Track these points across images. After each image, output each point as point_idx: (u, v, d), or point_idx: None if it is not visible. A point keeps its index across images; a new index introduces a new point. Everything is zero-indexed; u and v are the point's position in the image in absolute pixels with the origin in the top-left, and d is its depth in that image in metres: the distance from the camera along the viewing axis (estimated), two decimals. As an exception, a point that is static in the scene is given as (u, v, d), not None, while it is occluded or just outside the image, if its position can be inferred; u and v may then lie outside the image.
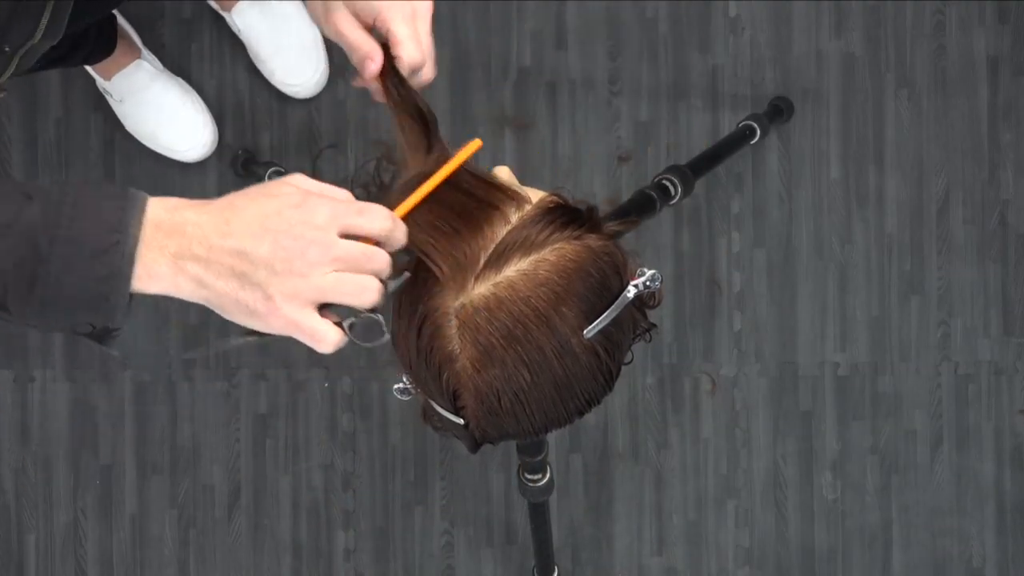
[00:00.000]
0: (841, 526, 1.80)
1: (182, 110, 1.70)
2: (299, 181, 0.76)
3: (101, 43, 1.58)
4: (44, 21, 0.92)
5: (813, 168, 1.79)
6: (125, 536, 1.78)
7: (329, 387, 1.77)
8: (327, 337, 0.74)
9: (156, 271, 0.72)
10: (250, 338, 0.77)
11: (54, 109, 1.76)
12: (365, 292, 0.74)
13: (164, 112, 1.69)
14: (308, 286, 0.72)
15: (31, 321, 0.73)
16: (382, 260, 0.75)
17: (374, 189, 0.85)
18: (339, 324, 0.75)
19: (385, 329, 0.76)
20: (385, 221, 0.76)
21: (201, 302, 0.74)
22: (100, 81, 1.68)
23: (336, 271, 0.73)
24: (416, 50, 0.87)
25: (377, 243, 0.76)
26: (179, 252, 0.72)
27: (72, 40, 1.30)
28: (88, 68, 1.67)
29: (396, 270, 0.78)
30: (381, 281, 0.75)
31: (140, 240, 0.71)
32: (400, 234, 0.77)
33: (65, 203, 0.71)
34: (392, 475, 1.78)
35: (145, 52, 1.69)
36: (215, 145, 1.74)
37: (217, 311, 0.74)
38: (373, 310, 0.76)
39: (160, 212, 0.73)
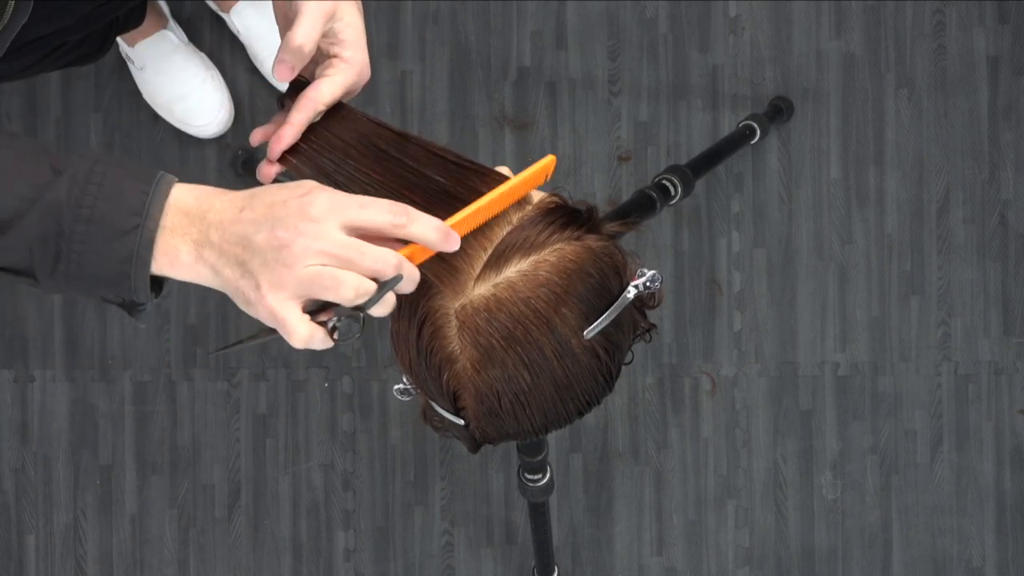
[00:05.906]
0: (841, 526, 1.80)
1: (201, 85, 1.69)
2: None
3: (132, 14, 1.58)
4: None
5: (813, 168, 1.79)
6: (125, 536, 1.78)
7: (329, 387, 1.77)
8: (295, 332, 0.70)
9: (178, 257, 0.72)
10: (268, 335, 0.74)
11: (54, 109, 1.76)
12: (342, 288, 0.69)
13: (183, 85, 1.68)
14: (291, 278, 0.69)
15: (58, 290, 0.73)
16: (380, 259, 0.70)
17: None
18: (324, 323, 0.71)
19: (359, 331, 0.71)
20: (386, 215, 0.71)
21: (221, 290, 0.73)
22: (123, 47, 1.67)
23: (321, 264, 0.69)
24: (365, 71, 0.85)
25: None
26: (199, 239, 0.72)
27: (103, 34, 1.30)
28: None
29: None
30: (378, 282, 0.71)
31: (162, 225, 0.71)
32: (416, 229, 0.71)
33: (92, 182, 0.71)
34: (392, 475, 1.78)
35: (172, 23, 1.68)
36: (230, 124, 1.73)
37: (234, 300, 0.73)
38: (360, 307, 0.70)
39: (188, 198, 0.72)
